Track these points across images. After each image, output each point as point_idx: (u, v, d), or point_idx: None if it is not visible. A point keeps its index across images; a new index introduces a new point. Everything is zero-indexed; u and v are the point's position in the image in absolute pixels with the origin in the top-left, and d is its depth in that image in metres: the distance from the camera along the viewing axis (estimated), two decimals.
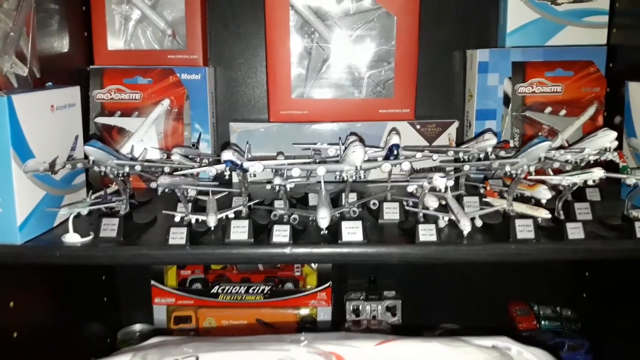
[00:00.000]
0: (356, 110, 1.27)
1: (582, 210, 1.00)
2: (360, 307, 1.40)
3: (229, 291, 1.32)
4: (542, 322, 1.40)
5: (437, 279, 1.46)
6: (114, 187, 1.06)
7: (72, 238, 0.90)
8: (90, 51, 1.26)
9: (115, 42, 1.28)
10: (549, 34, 1.27)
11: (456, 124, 1.26)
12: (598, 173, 0.89)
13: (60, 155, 0.97)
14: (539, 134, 1.24)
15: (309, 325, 1.34)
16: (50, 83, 1.01)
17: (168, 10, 1.29)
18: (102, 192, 1.03)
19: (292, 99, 1.27)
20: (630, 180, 0.92)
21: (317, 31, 1.26)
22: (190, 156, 1.09)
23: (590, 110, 1.25)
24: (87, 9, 1.25)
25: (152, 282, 1.34)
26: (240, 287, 1.32)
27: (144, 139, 1.23)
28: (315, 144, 1.17)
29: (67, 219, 0.92)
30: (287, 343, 0.73)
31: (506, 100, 1.27)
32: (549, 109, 1.25)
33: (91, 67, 1.25)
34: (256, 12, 1.32)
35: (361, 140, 1.06)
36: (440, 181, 0.87)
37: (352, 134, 1.13)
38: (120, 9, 1.28)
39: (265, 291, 1.32)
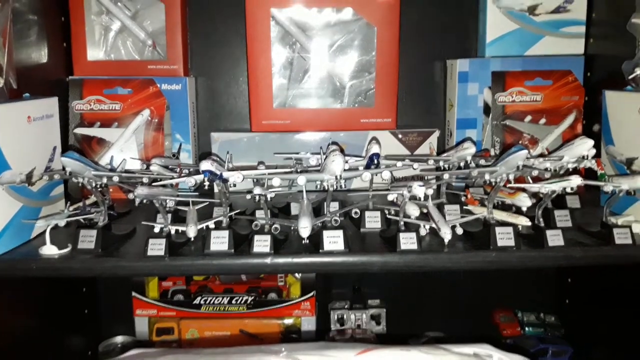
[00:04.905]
0: (338, 119, 1.27)
1: (562, 218, 1.01)
2: (345, 316, 1.40)
3: (211, 302, 1.31)
4: (526, 329, 1.41)
5: (421, 287, 1.46)
6: (93, 199, 1.05)
7: (49, 250, 0.89)
8: (69, 62, 1.25)
9: (95, 53, 1.28)
10: (527, 44, 1.28)
11: (437, 133, 1.27)
12: (576, 181, 0.90)
13: (38, 166, 0.96)
14: (519, 142, 1.25)
15: (293, 336, 1.33)
16: (27, 94, 1.00)
17: (148, 20, 1.29)
18: (80, 204, 1.02)
19: (274, 109, 1.27)
20: (608, 188, 0.93)
21: (298, 42, 1.27)
22: (170, 166, 1.09)
23: (570, 119, 1.26)
24: (66, 19, 1.24)
25: (133, 293, 1.32)
26: (223, 297, 1.31)
27: (124, 149, 1.22)
28: (297, 153, 1.17)
29: (45, 231, 0.90)
30: (267, 354, 0.72)
31: (486, 109, 1.28)
32: (528, 118, 1.26)
33: (70, 77, 1.24)
34: (237, 23, 1.32)
35: (341, 149, 1.06)
36: (419, 190, 0.88)
37: (333, 143, 1.13)
38: (100, 20, 1.28)
39: (248, 302, 1.31)
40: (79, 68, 1.26)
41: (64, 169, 0.92)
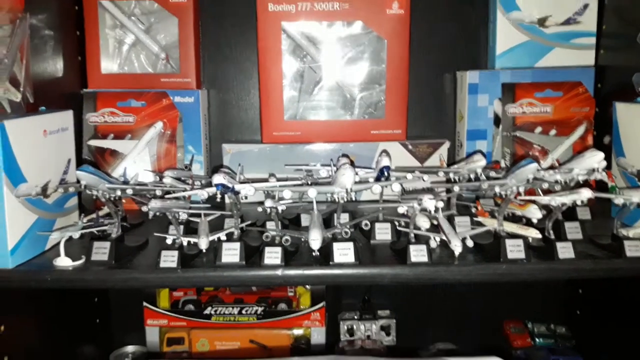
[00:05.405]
0: (348, 131, 1.28)
1: (572, 230, 1.00)
2: (355, 327, 1.39)
3: (222, 312, 1.32)
4: (537, 340, 1.40)
5: (431, 298, 1.46)
6: (106, 210, 1.06)
7: (63, 262, 0.90)
8: (84, 75, 1.27)
9: (109, 66, 1.30)
10: (537, 56, 1.29)
11: (447, 144, 1.27)
12: (586, 194, 0.90)
13: (53, 179, 0.97)
14: (529, 153, 1.25)
15: (303, 346, 1.34)
16: (43, 108, 1.02)
17: (162, 34, 1.31)
18: (94, 215, 1.03)
19: (284, 121, 1.28)
20: (619, 200, 0.93)
21: (308, 54, 1.28)
22: (182, 178, 1.10)
23: (580, 130, 1.26)
24: (81, 33, 1.26)
25: (145, 303, 1.33)
26: (233, 308, 1.32)
27: (137, 161, 1.23)
28: (307, 165, 1.18)
29: (59, 243, 0.92)
30: None
31: (496, 120, 1.28)
32: (539, 129, 1.26)
33: (84, 90, 1.26)
34: (249, 36, 1.33)
35: (352, 162, 1.06)
36: (429, 203, 0.88)
37: (343, 155, 1.13)
38: (114, 33, 1.30)
39: (258, 312, 1.32)
40: (93, 81, 1.28)
41: (78, 181, 0.94)
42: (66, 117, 1.04)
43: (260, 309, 1.32)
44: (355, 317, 1.41)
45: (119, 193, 0.94)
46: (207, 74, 1.37)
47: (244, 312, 1.32)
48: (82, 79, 1.27)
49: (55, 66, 1.16)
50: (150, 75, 1.30)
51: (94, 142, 1.24)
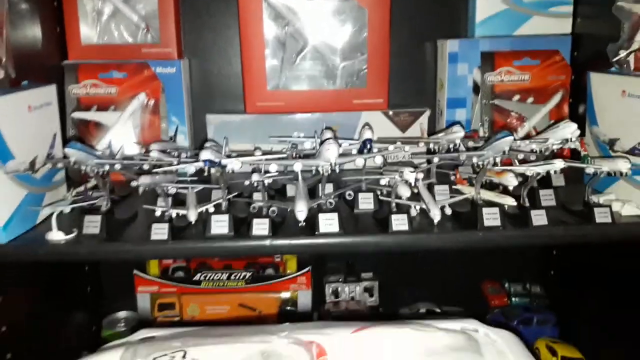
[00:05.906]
0: (331, 100, 1.30)
1: (547, 197, 1.05)
2: (339, 289, 1.45)
3: (211, 278, 1.36)
4: (513, 299, 1.47)
5: (413, 261, 1.51)
6: (93, 182, 1.08)
7: (56, 236, 0.92)
8: (64, 46, 1.26)
9: (88, 37, 1.28)
10: (516, 24, 1.31)
11: (428, 113, 1.30)
12: (559, 164, 0.94)
13: (39, 153, 0.98)
14: (507, 120, 1.29)
15: (289, 308, 1.39)
16: (25, 82, 1.02)
17: (141, 3, 1.29)
18: (82, 188, 1.05)
19: (267, 91, 1.29)
20: (590, 170, 0.98)
21: (290, 23, 1.28)
22: (168, 150, 1.11)
23: (556, 98, 1.29)
24: (58, 3, 1.24)
25: (135, 271, 1.36)
26: (222, 273, 1.36)
27: (121, 133, 1.23)
28: (291, 136, 1.20)
29: (50, 216, 0.93)
30: (270, 335, 0.77)
31: (476, 88, 1.30)
32: (517, 97, 1.29)
33: (65, 62, 1.25)
34: (230, 4, 1.32)
35: (335, 136, 1.09)
36: (410, 175, 0.91)
37: (327, 128, 1.16)
38: (92, 3, 1.28)
39: (246, 277, 1.36)
40: (73, 52, 1.26)
41: (65, 156, 0.95)
42: (49, 92, 1.04)
43: (248, 274, 1.36)
44: (340, 279, 1.46)
45: (107, 168, 0.95)
46: (188, 43, 1.36)
47: (232, 277, 1.36)
48: (62, 50, 1.26)
49: (35, 39, 1.14)
50: (131, 45, 1.29)
51: (78, 115, 1.23)
